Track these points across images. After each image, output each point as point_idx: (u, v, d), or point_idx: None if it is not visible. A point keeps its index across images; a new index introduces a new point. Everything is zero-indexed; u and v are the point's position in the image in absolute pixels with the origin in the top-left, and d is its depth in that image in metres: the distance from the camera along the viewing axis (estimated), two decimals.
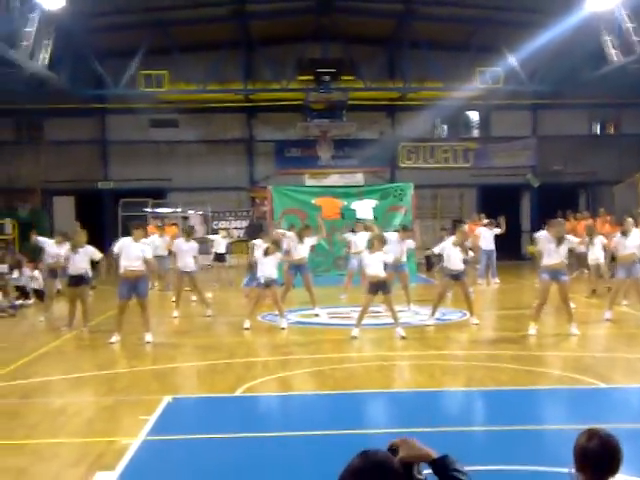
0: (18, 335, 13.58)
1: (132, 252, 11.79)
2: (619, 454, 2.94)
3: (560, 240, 11.58)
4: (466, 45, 25.91)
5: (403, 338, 11.69)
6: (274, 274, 12.93)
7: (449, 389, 8.97)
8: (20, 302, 16.83)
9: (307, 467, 6.06)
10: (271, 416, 8.13)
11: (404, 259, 14.97)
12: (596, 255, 16.15)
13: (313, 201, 21.52)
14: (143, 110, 27.64)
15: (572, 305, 12.49)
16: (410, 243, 15.15)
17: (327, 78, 26.24)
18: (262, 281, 12.94)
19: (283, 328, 12.92)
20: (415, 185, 22.17)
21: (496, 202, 25.16)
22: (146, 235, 13.71)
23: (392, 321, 12.06)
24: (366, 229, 16.54)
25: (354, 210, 21.16)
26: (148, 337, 11.89)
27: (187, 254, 14.86)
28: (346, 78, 26.61)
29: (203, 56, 26.57)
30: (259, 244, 14.68)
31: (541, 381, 9.27)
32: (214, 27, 25.96)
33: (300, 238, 14.85)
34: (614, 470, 2.94)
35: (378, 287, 11.86)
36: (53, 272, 14.84)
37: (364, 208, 21.25)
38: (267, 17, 26.19)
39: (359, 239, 16.03)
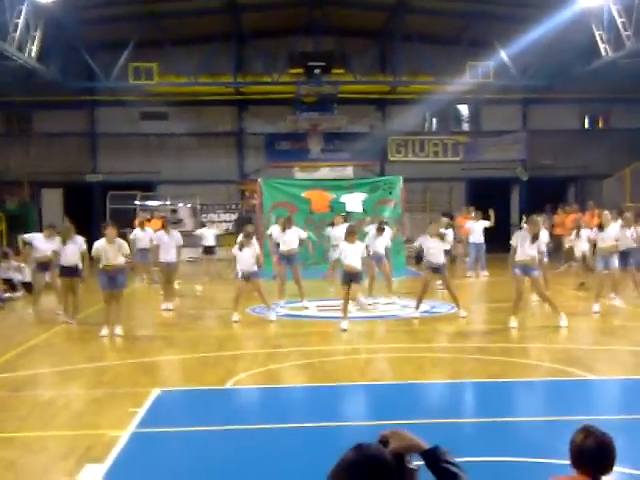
0: (6, 328, 13.53)
1: (109, 254, 11.77)
2: (613, 452, 3.01)
3: (535, 237, 11.79)
4: (457, 39, 25.87)
5: (344, 331, 11.73)
6: (253, 267, 12.90)
7: (438, 381, 9.00)
8: (8, 295, 16.74)
9: (297, 459, 6.07)
10: (260, 409, 8.14)
11: (382, 251, 15.17)
12: (582, 248, 16.35)
13: (303, 194, 21.50)
14: (133, 103, 27.50)
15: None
16: (386, 237, 15.34)
17: (318, 71, 26.10)
18: (239, 275, 12.93)
19: (272, 321, 12.93)
20: (405, 178, 22.17)
21: (486, 195, 25.17)
22: (119, 231, 12.77)
23: (380, 314, 12.13)
24: (346, 221, 16.58)
25: (343, 203, 21.14)
26: (117, 330, 11.81)
27: (168, 246, 14.81)
28: (337, 71, 26.48)
29: (194, 49, 26.43)
30: None
31: (530, 373, 9.31)
32: (205, 19, 25.82)
33: (282, 229, 14.95)
34: (609, 468, 3.00)
35: (351, 277, 11.88)
36: (42, 265, 14.61)
37: (353, 201, 21.25)
38: (258, 10, 26.06)
39: (338, 232, 15.95)
